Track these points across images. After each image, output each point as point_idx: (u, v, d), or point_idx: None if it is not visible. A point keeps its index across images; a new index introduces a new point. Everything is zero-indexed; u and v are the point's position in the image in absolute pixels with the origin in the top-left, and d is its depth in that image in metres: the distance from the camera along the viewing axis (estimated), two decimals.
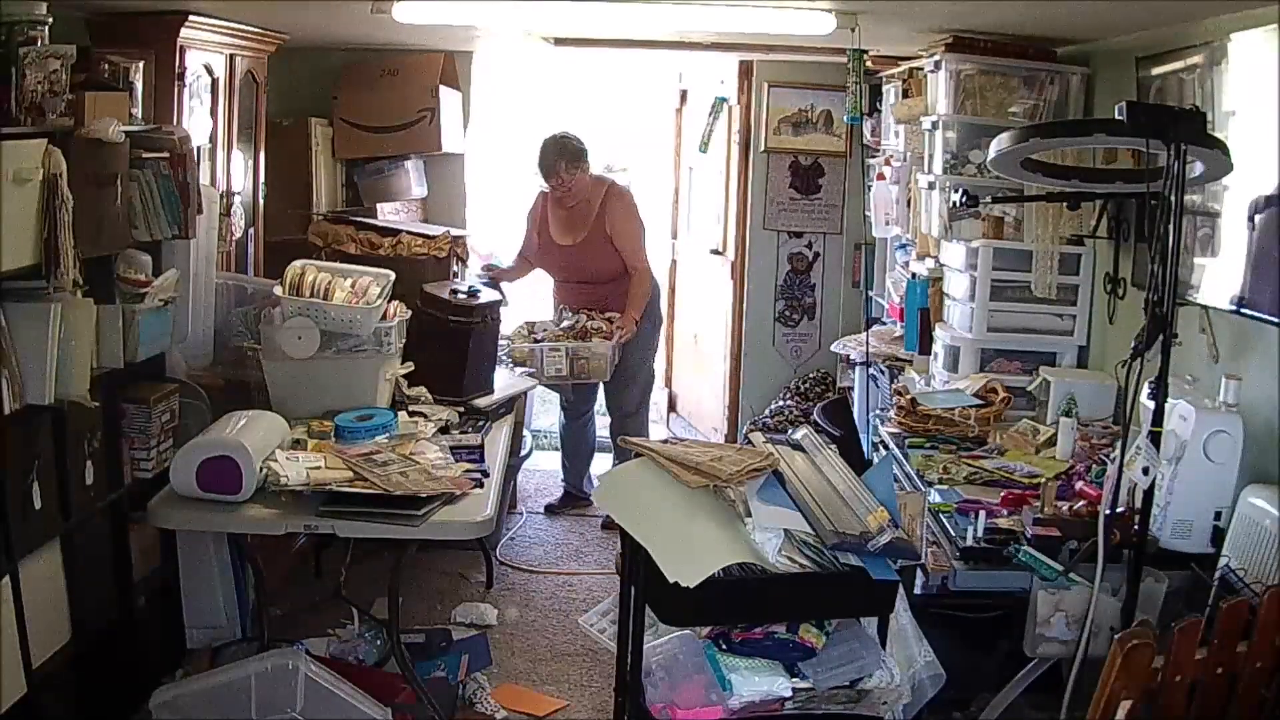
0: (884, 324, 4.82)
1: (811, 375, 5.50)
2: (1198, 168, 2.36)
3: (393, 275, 3.53)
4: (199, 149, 3.45)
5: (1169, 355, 2.26)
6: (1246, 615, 1.98)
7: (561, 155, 4.48)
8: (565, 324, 4.54)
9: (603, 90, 8.30)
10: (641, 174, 9.52)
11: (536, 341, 4.42)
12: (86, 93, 2.65)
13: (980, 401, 3.42)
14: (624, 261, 4.60)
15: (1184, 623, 1.92)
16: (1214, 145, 2.32)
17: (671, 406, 6.35)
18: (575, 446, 4.99)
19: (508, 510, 4.72)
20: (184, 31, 3.41)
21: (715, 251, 5.75)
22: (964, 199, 3.39)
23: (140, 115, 3.04)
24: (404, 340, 3.54)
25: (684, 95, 6.09)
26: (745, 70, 5.36)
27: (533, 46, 4.69)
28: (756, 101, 5.35)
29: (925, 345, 4.01)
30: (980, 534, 2.58)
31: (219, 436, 2.75)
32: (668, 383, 6.38)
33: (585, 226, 4.59)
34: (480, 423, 3.48)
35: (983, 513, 2.66)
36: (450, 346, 3.64)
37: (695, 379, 6.15)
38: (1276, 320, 2.50)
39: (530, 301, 5.33)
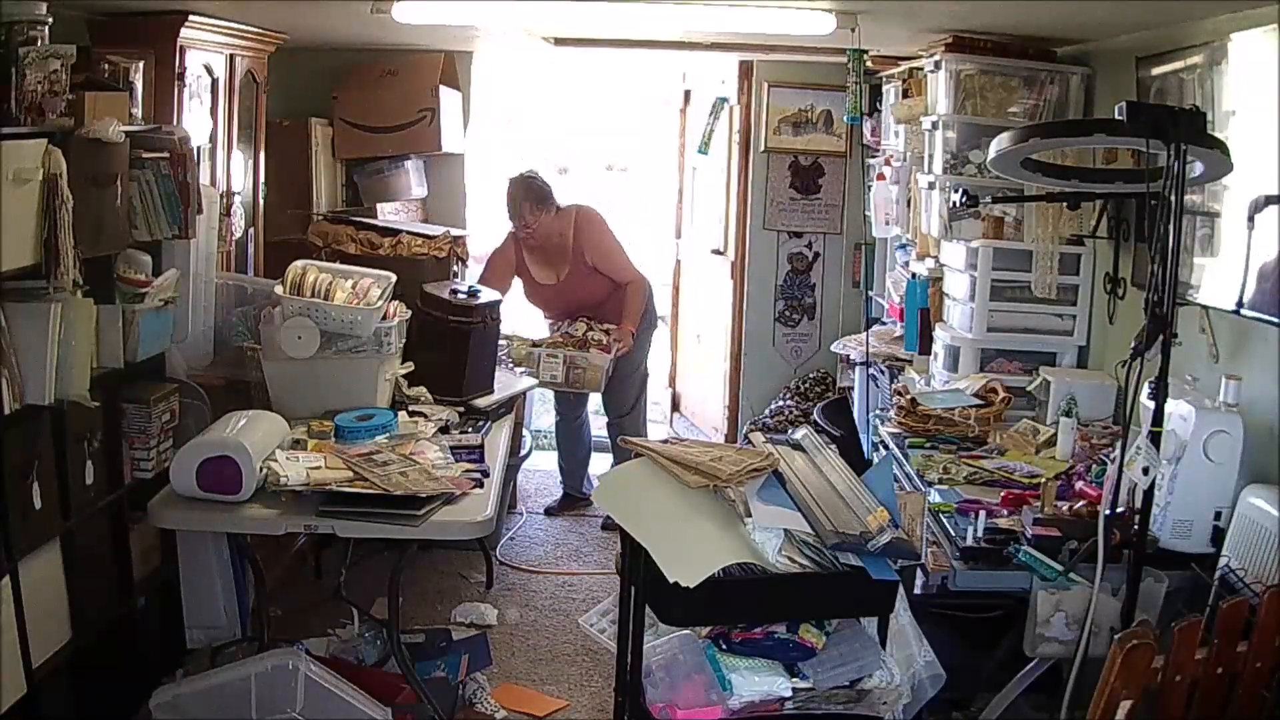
0: (884, 324, 4.82)
1: (811, 375, 5.50)
2: (1198, 168, 2.36)
3: (394, 277, 3.52)
4: (199, 149, 3.45)
5: (1169, 355, 2.26)
6: (1246, 615, 1.98)
7: (527, 197, 4.46)
8: (564, 329, 4.55)
9: (604, 90, 8.29)
10: (641, 174, 9.55)
11: (535, 345, 4.43)
12: (86, 93, 2.65)
13: (980, 401, 3.42)
14: (613, 280, 4.60)
15: (1184, 623, 1.92)
16: (1214, 145, 2.32)
17: (675, 406, 6.35)
18: (571, 447, 4.99)
19: (508, 510, 4.73)
20: (184, 31, 3.41)
21: (716, 251, 5.75)
22: (964, 199, 3.39)
23: (140, 115, 3.04)
24: (404, 340, 3.54)
25: (688, 95, 6.09)
26: (745, 70, 5.36)
27: (533, 46, 4.69)
28: (756, 101, 5.35)
29: (925, 345, 4.01)
30: (980, 534, 2.58)
31: (219, 436, 2.74)
32: (671, 382, 6.39)
33: (565, 262, 4.57)
34: (480, 423, 3.48)
35: (983, 513, 2.65)
36: (450, 346, 3.63)
37: (698, 379, 6.15)
38: (1276, 320, 2.50)
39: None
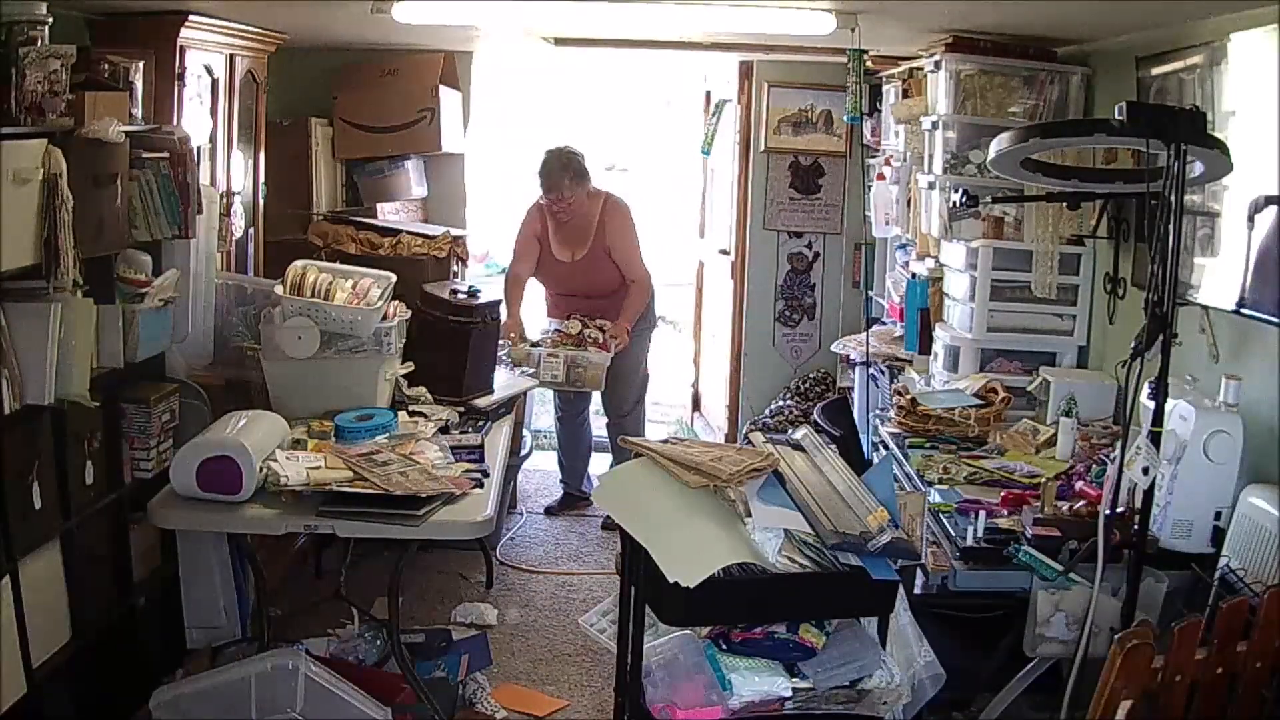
0: (884, 324, 4.82)
1: (811, 375, 5.50)
2: (1198, 168, 2.36)
3: (394, 278, 3.53)
4: (199, 149, 3.45)
5: (1169, 355, 2.26)
6: (1246, 615, 1.98)
7: (566, 172, 4.45)
8: (556, 327, 4.55)
9: (612, 91, 8.27)
10: (644, 174, 9.54)
11: (535, 346, 4.43)
12: (86, 93, 2.65)
13: (980, 401, 3.42)
14: (622, 274, 4.61)
15: (1184, 623, 1.92)
16: (1214, 145, 2.32)
17: (696, 405, 6.34)
18: (572, 448, 4.99)
19: (508, 510, 4.73)
20: (184, 31, 3.41)
21: (723, 251, 5.75)
22: (964, 199, 3.39)
23: (140, 115, 3.04)
24: (404, 340, 3.54)
25: (708, 96, 6.07)
26: (745, 70, 5.36)
27: (533, 46, 4.69)
28: (756, 101, 5.35)
29: (925, 345, 4.01)
30: (980, 534, 2.58)
31: (219, 436, 2.75)
32: (694, 383, 6.39)
33: (585, 242, 4.59)
34: (480, 423, 3.48)
35: (983, 513, 2.66)
36: (450, 346, 3.64)
37: (711, 378, 6.15)
38: (1277, 320, 2.50)
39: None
